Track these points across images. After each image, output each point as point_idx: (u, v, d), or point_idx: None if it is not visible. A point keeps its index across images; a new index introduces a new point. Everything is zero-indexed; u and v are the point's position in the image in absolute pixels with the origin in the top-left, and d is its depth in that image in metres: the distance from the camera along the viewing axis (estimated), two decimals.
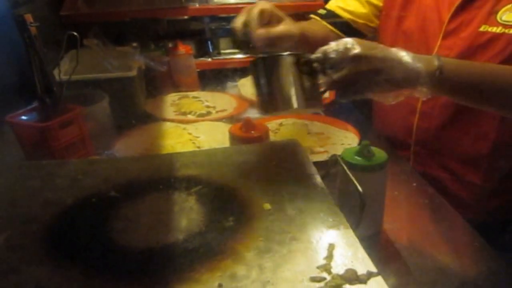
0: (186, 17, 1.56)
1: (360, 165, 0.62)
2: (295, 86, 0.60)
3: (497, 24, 0.73)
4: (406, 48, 0.86)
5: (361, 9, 0.94)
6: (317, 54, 0.61)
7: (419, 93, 0.61)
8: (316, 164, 0.67)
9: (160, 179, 0.65)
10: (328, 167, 0.65)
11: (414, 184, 0.81)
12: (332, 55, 0.58)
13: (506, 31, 0.72)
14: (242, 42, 0.72)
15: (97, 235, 0.54)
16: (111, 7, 1.39)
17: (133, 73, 1.04)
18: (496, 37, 0.73)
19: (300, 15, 1.70)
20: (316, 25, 0.96)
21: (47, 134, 0.79)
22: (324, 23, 0.95)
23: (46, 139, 0.79)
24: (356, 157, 0.63)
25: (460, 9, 0.78)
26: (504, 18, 0.72)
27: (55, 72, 0.83)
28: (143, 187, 0.64)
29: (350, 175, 0.59)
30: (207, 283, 0.45)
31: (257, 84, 0.63)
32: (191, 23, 1.66)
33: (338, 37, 0.91)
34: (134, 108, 1.06)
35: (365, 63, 0.57)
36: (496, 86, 0.63)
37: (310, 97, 0.62)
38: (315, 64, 0.61)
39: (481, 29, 0.75)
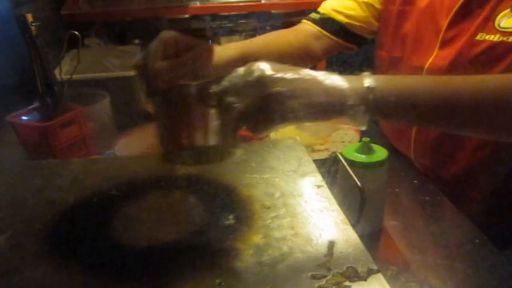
0: (187, 15, 1.56)
1: (360, 162, 0.62)
2: (198, 122, 0.52)
3: (495, 31, 0.66)
4: (403, 56, 0.82)
5: (359, 11, 0.86)
6: (224, 83, 0.51)
7: (354, 120, 0.52)
8: (317, 161, 0.67)
9: (161, 178, 0.65)
10: (329, 164, 0.65)
11: (415, 181, 0.80)
12: (236, 82, 0.50)
13: (505, 39, 0.65)
14: (144, 83, 0.60)
15: (99, 234, 0.54)
16: (112, 6, 1.39)
17: (134, 72, 1.04)
18: (494, 45, 0.67)
19: (299, 13, 1.70)
20: (291, 35, 0.86)
21: (48, 133, 0.79)
22: (314, 28, 0.87)
23: (47, 138, 0.80)
24: (356, 154, 0.63)
25: (459, 16, 0.71)
26: (502, 24, 0.66)
27: (56, 71, 0.83)
28: (144, 186, 0.64)
29: (351, 172, 0.59)
30: (207, 280, 0.45)
31: (158, 119, 0.54)
32: (192, 22, 1.66)
33: (324, 44, 0.87)
34: (135, 108, 1.06)
35: (272, 86, 0.48)
36: (449, 102, 0.52)
37: (219, 134, 0.51)
38: (218, 95, 0.51)
39: (478, 37, 0.68)
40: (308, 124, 0.53)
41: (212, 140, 0.51)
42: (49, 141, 0.80)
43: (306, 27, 0.87)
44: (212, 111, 0.51)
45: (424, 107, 0.52)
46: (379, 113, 0.51)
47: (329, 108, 0.49)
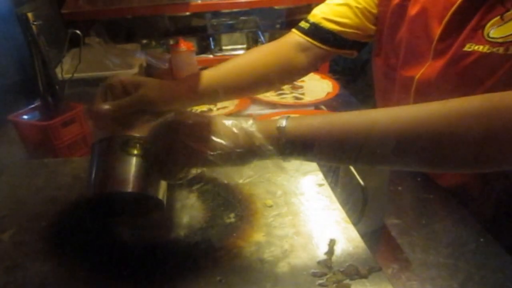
0: (187, 13, 1.56)
1: None
2: (121, 169, 0.50)
3: (484, 42, 0.62)
4: (397, 66, 0.78)
5: (352, 18, 0.80)
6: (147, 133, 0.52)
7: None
8: None
9: None
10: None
11: (419, 179, 0.80)
12: (153, 131, 0.51)
13: (495, 50, 0.61)
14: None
15: (100, 232, 0.55)
16: (113, 4, 1.39)
17: (135, 70, 1.04)
18: (483, 57, 0.62)
19: (302, 8, 1.69)
20: (272, 53, 0.81)
21: (49, 132, 0.79)
22: (302, 39, 0.82)
23: (48, 137, 0.80)
24: None
25: (451, 26, 0.66)
26: (491, 34, 0.61)
27: (57, 70, 0.83)
28: None
29: (353, 169, 0.59)
30: (209, 277, 0.46)
31: (89, 168, 0.53)
32: (192, 20, 1.66)
33: (313, 55, 0.81)
34: None
35: (178, 130, 0.49)
36: (367, 137, 0.47)
37: (142, 183, 0.50)
38: (137, 144, 0.52)
39: (466, 48, 0.64)
40: None
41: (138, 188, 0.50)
42: (50, 140, 0.80)
43: (292, 39, 0.83)
44: (134, 160, 0.51)
45: (328, 147, 0.48)
46: (291, 154, 0.49)
47: (235, 149, 0.48)
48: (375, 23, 0.82)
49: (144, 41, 1.43)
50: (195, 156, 0.48)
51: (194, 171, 0.52)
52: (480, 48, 0.62)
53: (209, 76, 0.73)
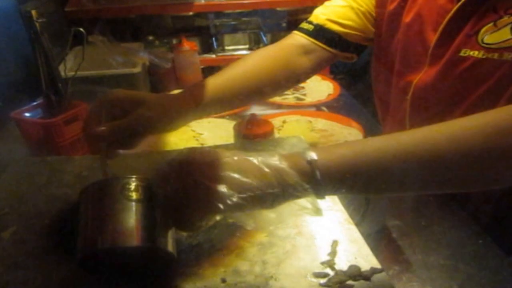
0: (191, 13, 1.56)
1: None
2: (122, 219, 0.42)
3: (479, 47, 0.62)
4: (394, 70, 0.77)
5: (355, 19, 0.80)
6: (150, 174, 0.45)
7: (304, 208, 0.45)
8: None
9: None
10: None
11: None
12: (161, 172, 0.44)
13: (489, 56, 0.61)
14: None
15: None
16: (116, 3, 1.39)
17: (138, 69, 1.04)
18: (478, 62, 0.62)
19: (304, 10, 1.69)
20: (273, 57, 0.79)
21: (52, 130, 0.80)
22: (306, 41, 0.80)
23: (51, 135, 0.80)
24: None
25: (447, 32, 0.66)
26: (485, 40, 0.62)
27: (60, 68, 0.83)
28: None
29: None
30: (211, 278, 0.46)
31: (80, 219, 0.46)
32: (195, 20, 1.66)
33: (316, 58, 0.80)
34: None
35: (195, 172, 0.42)
36: (405, 165, 0.45)
37: (148, 234, 0.43)
38: (139, 187, 0.44)
39: (462, 53, 0.64)
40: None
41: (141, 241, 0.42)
42: (52, 137, 0.80)
43: (295, 41, 0.81)
44: (138, 207, 0.43)
45: (375, 176, 0.45)
46: (327, 190, 0.44)
47: (266, 190, 0.42)
48: (375, 26, 0.82)
49: (148, 40, 1.43)
50: (218, 199, 0.41)
51: (216, 218, 0.44)
52: (475, 53, 0.63)
53: (213, 85, 0.69)
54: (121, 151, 0.58)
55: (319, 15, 0.81)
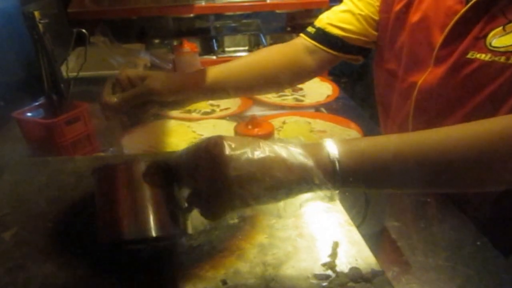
0: (191, 15, 1.56)
1: None
2: (146, 207, 0.43)
3: (486, 50, 0.63)
4: (398, 70, 0.78)
5: (356, 24, 0.82)
6: (177, 161, 0.45)
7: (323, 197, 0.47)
8: None
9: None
10: None
11: None
12: (190, 161, 0.44)
13: (496, 59, 0.62)
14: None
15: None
16: (118, 4, 1.39)
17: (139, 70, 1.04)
18: (485, 65, 0.63)
19: (304, 12, 1.70)
20: (282, 52, 0.83)
21: (53, 130, 0.80)
22: (309, 43, 0.84)
23: (52, 135, 0.80)
24: None
25: (454, 33, 0.67)
26: (493, 43, 0.63)
27: (63, 68, 0.83)
28: None
29: None
30: (212, 280, 0.46)
31: (98, 202, 0.46)
32: (196, 21, 1.67)
33: (320, 58, 0.83)
34: None
35: (229, 168, 0.42)
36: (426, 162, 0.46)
37: (169, 221, 0.44)
38: (169, 173, 0.45)
39: (469, 55, 0.65)
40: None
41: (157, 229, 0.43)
42: (54, 138, 0.80)
43: (301, 41, 0.85)
44: (159, 192, 0.44)
45: (392, 175, 0.47)
46: (344, 185, 0.45)
47: (294, 188, 0.44)
48: (377, 30, 0.83)
49: (149, 41, 1.43)
50: (247, 198, 0.42)
51: (238, 212, 0.47)
52: (482, 56, 0.64)
53: (217, 71, 0.75)
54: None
55: (322, 19, 0.85)
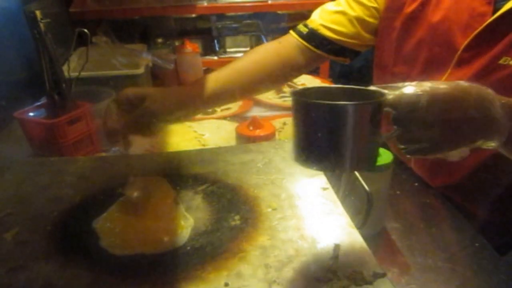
0: (193, 15, 1.56)
1: None
2: (360, 144, 0.45)
3: None
4: (410, 72, 0.76)
5: (349, 27, 0.81)
6: (391, 97, 0.46)
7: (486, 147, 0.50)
8: None
9: (166, 177, 0.65)
10: None
11: (416, 184, 0.81)
12: (412, 100, 0.45)
13: None
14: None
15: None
16: (120, 4, 1.39)
17: (141, 70, 1.04)
18: None
19: (305, 13, 1.70)
20: (274, 52, 0.84)
21: (55, 130, 0.80)
22: (299, 42, 0.84)
23: (54, 135, 0.80)
24: None
25: (483, 37, 0.66)
26: None
27: (64, 68, 0.83)
28: None
29: (357, 174, 0.59)
30: (214, 281, 0.46)
31: (302, 129, 0.47)
32: (198, 22, 1.67)
33: (310, 58, 0.83)
34: None
35: (445, 111, 0.45)
36: None
37: (371, 156, 0.47)
38: (385, 110, 0.46)
39: (502, 61, 0.64)
40: None
41: (362, 164, 0.47)
42: (56, 138, 0.80)
43: (293, 39, 0.85)
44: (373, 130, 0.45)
45: None
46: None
47: (480, 128, 0.47)
48: (372, 33, 0.82)
49: (151, 41, 1.43)
50: (459, 141, 0.47)
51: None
52: None
53: (214, 80, 0.76)
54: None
55: (315, 20, 0.84)
